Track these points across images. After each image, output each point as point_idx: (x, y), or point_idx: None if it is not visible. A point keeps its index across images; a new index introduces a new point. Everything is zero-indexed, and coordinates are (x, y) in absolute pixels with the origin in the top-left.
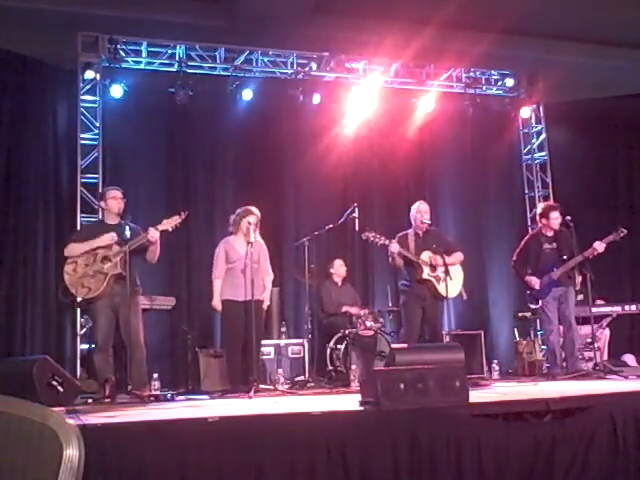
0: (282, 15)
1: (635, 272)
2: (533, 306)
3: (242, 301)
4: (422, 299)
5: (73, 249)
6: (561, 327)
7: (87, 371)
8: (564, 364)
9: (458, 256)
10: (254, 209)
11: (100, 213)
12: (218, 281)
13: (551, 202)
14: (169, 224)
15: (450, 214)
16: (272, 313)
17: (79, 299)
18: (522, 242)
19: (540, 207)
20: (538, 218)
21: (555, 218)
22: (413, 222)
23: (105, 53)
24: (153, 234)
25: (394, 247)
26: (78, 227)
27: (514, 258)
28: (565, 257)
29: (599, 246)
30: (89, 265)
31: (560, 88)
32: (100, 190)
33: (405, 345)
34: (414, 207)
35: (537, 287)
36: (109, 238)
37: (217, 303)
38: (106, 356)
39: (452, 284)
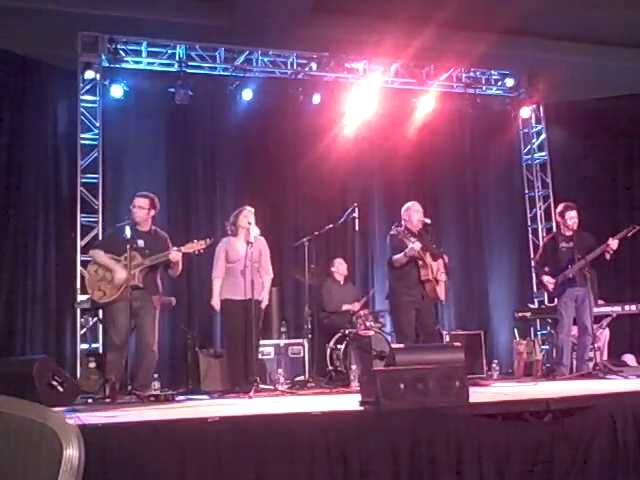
0: (282, 15)
1: (635, 272)
2: (549, 304)
3: (241, 300)
4: (419, 299)
5: (97, 256)
6: (574, 328)
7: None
8: (567, 364)
9: (444, 259)
10: (247, 207)
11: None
12: (218, 280)
13: (568, 202)
14: (192, 248)
15: (450, 214)
16: (272, 313)
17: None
18: (542, 244)
19: (559, 206)
20: (557, 217)
21: (571, 217)
22: (409, 221)
23: (105, 53)
24: (174, 255)
25: (417, 245)
26: (100, 228)
27: (535, 258)
28: (579, 256)
29: (612, 243)
30: (108, 271)
31: (560, 88)
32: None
33: (405, 345)
34: (409, 207)
35: (550, 288)
36: (120, 273)
37: (216, 302)
38: (121, 356)
39: (441, 286)
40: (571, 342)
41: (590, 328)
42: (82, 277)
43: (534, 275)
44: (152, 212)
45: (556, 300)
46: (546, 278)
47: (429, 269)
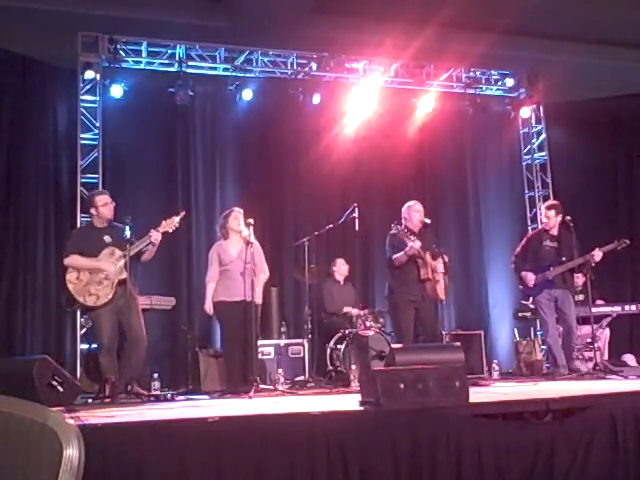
0: (282, 15)
1: (635, 272)
2: (524, 302)
3: (237, 302)
4: (419, 299)
5: (75, 261)
6: (560, 328)
7: (86, 372)
8: (563, 363)
9: (444, 258)
10: (235, 208)
11: (91, 217)
12: (211, 285)
13: (552, 201)
14: (168, 225)
15: (450, 214)
16: (272, 313)
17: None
18: (524, 239)
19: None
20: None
21: (549, 217)
22: (409, 220)
23: (105, 53)
24: (157, 237)
25: (417, 244)
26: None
27: (515, 253)
28: (564, 258)
29: (597, 255)
30: (94, 272)
31: (560, 88)
32: (98, 191)
33: (405, 345)
34: (409, 206)
35: (531, 284)
36: (108, 266)
37: (209, 307)
38: (113, 357)
39: (441, 286)
40: (560, 341)
41: (575, 328)
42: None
43: (513, 269)
44: None
45: (531, 300)
46: (530, 275)
47: (429, 268)
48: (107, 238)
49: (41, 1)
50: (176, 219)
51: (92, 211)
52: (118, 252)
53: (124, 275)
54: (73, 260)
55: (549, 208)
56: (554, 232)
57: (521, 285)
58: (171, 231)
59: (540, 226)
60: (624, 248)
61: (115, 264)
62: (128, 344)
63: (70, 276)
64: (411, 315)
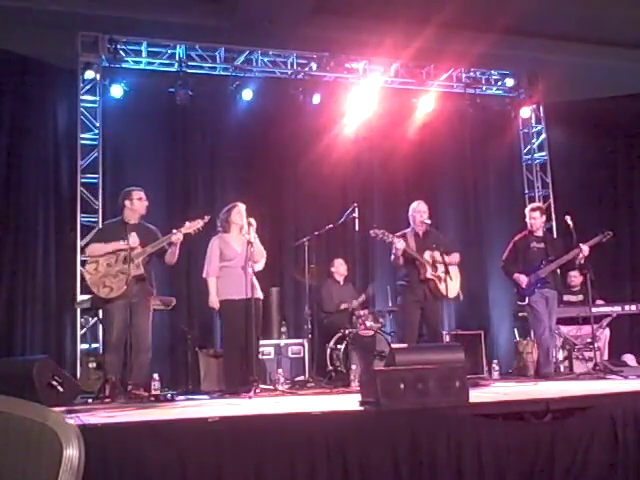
0: (282, 15)
1: (635, 272)
2: (520, 303)
3: (241, 299)
4: (422, 299)
5: (95, 249)
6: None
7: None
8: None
9: (456, 257)
10: (238, 203)
11: (122, 213)
12: (213, 279)
13: (536, 203)
14: (191, 227)
15: (450, 214)
16: (272, 313)
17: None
18: (511, 242)
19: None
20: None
21: (534, 218)
22: (412, 222)
23: (105, 53)
24: (178, 236)
25: (400, 244)
26: (100, 225)
27: (503, 257)
28: (552, 257)
29: (584, 250)
30: (111, 265)
31: (560, 88)
32: (100, 190)
33: (405, 345)
34: (413, 207)
35: (524, 285)
36: (132, 241)
37: (214, 302)
38: (119, 356)
39: (451, 284)
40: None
41: (554, 329)
42: (82, 277)
43: (504, 273)
44: None
45: (527, 300)
46: (522, 277)
47: (428, 268)
48: (134, 234)
49: (41, 1)
50: (200, 223)
51: (127, 203)
52: (139, 249)
53: (140, 271)
54: (93, 249)
55: (534, 210)
56: (539, 233)
57: (515, 288)
58: (193, 233)
59: (548, 229)
60: (624, 244)
61: (136, 254)
62: (131, 350)
63: (89, 267)
64: (417, 315)
